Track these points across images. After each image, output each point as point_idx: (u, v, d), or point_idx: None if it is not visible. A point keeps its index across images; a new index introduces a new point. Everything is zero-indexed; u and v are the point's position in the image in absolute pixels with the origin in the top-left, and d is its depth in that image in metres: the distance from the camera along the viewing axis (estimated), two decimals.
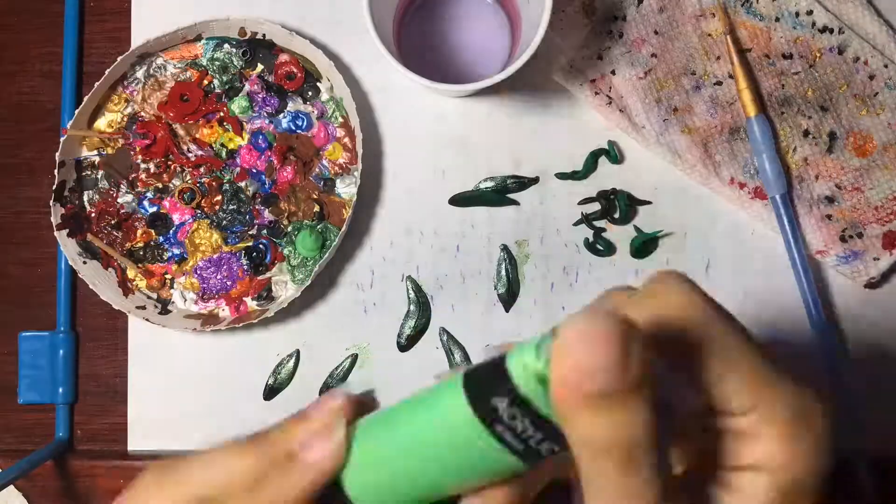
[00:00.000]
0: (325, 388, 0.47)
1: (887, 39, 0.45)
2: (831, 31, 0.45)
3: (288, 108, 0.47)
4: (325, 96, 0.47)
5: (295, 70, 0.46)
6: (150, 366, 0.48)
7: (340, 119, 0.46)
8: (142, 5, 0.48)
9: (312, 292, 0.47)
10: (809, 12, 0.45)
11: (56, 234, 0.45)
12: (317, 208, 0.46)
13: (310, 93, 0.47)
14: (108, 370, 0.48)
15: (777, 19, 0.45)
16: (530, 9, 0.41)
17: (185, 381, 0.47)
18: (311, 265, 0.46)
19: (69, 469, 0.47)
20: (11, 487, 0.47)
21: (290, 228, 0.46)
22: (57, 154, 0.45)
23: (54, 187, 0.45)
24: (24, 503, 0.47)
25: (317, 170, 0.46)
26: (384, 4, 0.42)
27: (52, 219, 0.45)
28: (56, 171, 0.45)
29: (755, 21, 0.46)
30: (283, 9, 0.47)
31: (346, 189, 0.46)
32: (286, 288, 0.46)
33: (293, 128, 0.47)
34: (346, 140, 0.46)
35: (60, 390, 0.47)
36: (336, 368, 0.47)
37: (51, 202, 0.45)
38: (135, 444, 0.47)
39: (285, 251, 0.46)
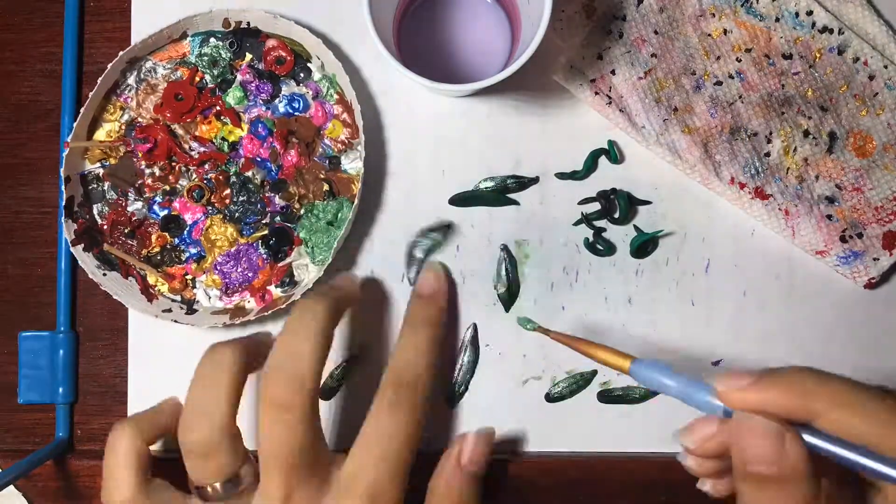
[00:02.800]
0: (325, 388, 0.47)
1: (887, 40, 0.45)
2: (831, 31, 0.45)
3: (282, 93, 0.47)
4: (317, 75, 0.47)
5: (284, 54, 0.46)
6: (150, 366, 0.48)
7: (336, 96, 0.46)
8: (142, 5, 0.48)
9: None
10: (809, 13, 0.45)
11: (72, 249, 0.45)
12: (326, 187, 0.46)
13: (301, 74, 0.47)
14: (108, 370, 0.48)
15: (777, 19, 0.45)
16: (530, 9, 0.41)
17: (185, 380, 0.47)
18: (329, 243, 0.46)
19: (69, 469, 0.47)
20: (11, 487, 0.47)
21: (302, 211, 0.46)
22: (62, 170, 0.45)
23: (63, 204, 0.45)
24: (24, 503, 0.47)
25: (320, 149, 0.46)
26: (384, 4, 0.42)
27: (66, 235, 0.44)
28: (63, 186, 0.45)
29: (755, 21, 0.46)
30: (283, 8, 0.47)
31: (352, 164, 0.46)
32: (308, 270, 0.46)
33: (290, 111, 0.47)
34: (345, 116, 0.46)
35: (60, 390, 0.47)
36: (336, 368, 0.47)
37: (62, 219, 0.45)
38: None
39: (301, 234, 0.46)
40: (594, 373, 0.47)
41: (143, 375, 0.48)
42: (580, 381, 0.47)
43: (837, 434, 0.29)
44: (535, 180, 0.47)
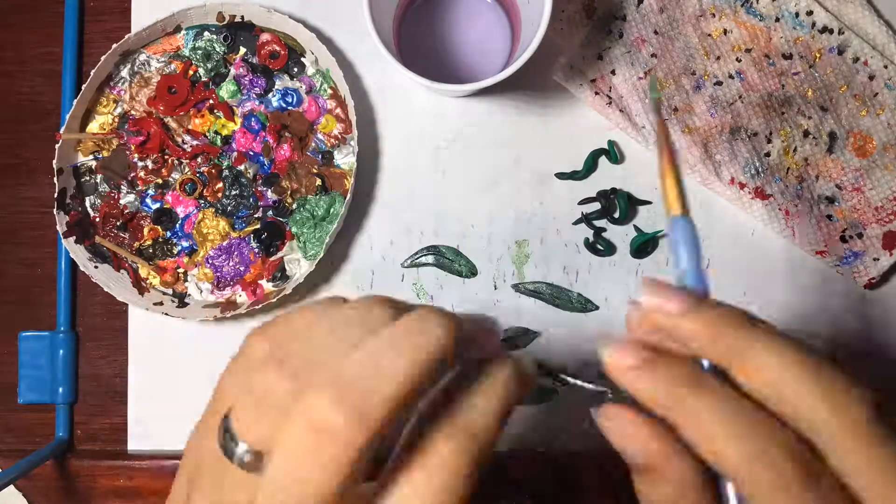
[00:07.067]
0: None
1: (887, 40, 0.45)
2: (831, 31, 0.45)
3: (276, 87, 0.47)
4: (311, 70, 0.47)
5: (278, 48, 0.46)
6: (150, 366, 0.48)
7: (329, 91, 0.46)
8: (142, 5, 0.48)
9: (311, 292, 0.47)
10: (809, 13, 0.45)
11: (64, 241, 0.45)
12: (318, 182, 0.46)
13: (295, 69, 0.47)
14: (108, 370, 0.48)
15: (777, 19, 0.45)
16: (530, 9, 0.41)
17: (185, 379, 0.47)
18: (321, 238, 0.46)
19: (69, 469, 0.47)
20: (11, 487, 0.47)
21: (294, 206, 0.46)
22: (54, 162, 0.45)
23: (56, 195, 0.45)
24: (24, 503, 0.47)
25: (313, 144, 0.47)
26: (384, 4, 0.41)
27: (58, 227, 0.45)
28: (55, 178, 0.45)
29: (755, 21, 0.46)
30: (278, 3, 0.47)
31: (345, 159, 0.46)
32: (300, 265, 0.46)
33: (284, 105, 0.47)
34: (338, 111, 0.46)
35: (60, 390, 0.47)
36: None
37: (54, 211, 0.45)
38: (135, 444, 0.47)
39: (293, 229, 0.46)
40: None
41: (143, 375, 0.48)
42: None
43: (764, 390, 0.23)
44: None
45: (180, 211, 0.47)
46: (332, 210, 0.46)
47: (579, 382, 0.30)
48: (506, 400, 0.24)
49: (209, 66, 0.46)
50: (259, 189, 0.46)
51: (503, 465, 0.46)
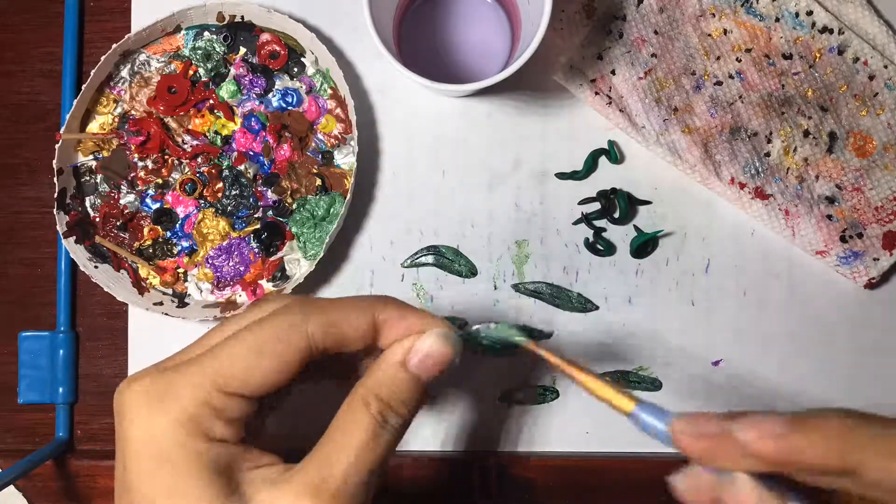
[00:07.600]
0: None
1: (887, 40, 0.45)
2: (831, 31, 0.45)
3: (276, 87, 0.47)
4: (311, 70, 0.47)
5: (278, 48, 0.46)
6: None
7: (329, 91, 0.46)
8: (142, 5, 0.48)
9: (311, 293, 0.47)
10: (809, 13, 0.45)
11: (64, 241, 0.45)
12: (319, 182, 0.46)
13: (295, 69, 0.47)
14: (108, 370, 0.48)
15: (777, 19, 0.45)
16: (530, 9, 0.41)
17: None
18: (321, 238, 0.46)
19: (69, 469, 0.47)
20: (11, 487, 0.47)
21: (294, 206, 0.46)
22: (54, 162, 0.45)
23: (56, 195, 0.45)
24: (24, 503, 0.47)
25: (313, 144, 0.46)
26: (384, 4, 0.42)
27: (58, 227, 0.45)
28: (55, 178, 0.45)
29: (755, 21, 0.46)
30: (278, 3, 0.47)
31: (345, 159, 0.46)
32: (300, 265, 0.46)
33: (284, 105, 0.47)
34: (338, 111, 0.46)
35: (60, 390, 0.47)
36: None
37: (54, 211, 0.45)
38: None
39: (293, 229, 0.46)
40: None
41: None
42: None
43: (883, 486, 0.25)
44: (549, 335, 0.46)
45: (180, 211, 0.47)
46: (332, 210, 0.46)
47: (492, 326, 0.33)
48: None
49: (209, 66, 0.47)
50: (259, 189, 0.46)
51: (502, 466, 0.46)
